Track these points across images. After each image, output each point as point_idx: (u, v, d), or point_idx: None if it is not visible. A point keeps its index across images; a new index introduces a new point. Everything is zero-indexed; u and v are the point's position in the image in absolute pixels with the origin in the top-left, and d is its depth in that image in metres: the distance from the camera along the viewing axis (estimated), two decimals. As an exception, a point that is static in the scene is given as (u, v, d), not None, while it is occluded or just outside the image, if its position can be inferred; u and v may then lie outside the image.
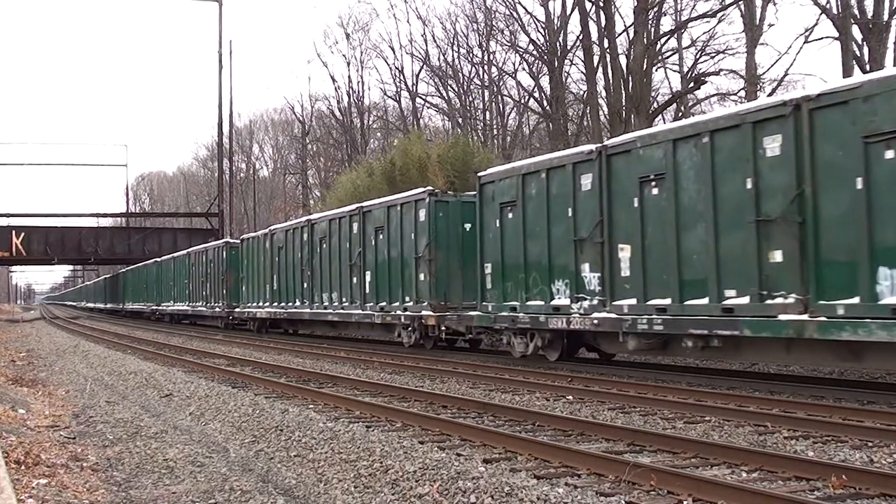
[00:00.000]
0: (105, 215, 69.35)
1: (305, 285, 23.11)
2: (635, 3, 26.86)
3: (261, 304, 26.71)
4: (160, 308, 43.06)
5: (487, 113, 44.81)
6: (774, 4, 29.75)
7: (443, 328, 16.80)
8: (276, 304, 25.30)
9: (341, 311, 20.91)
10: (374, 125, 53.60)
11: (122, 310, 57.67)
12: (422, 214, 17.44)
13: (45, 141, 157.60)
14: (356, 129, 51.59)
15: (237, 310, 28.94)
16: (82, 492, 6.32)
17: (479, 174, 15.82)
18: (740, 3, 26.75)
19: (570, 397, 10.59)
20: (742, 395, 10.02)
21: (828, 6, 23.30)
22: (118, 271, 62.66)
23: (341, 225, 21.05)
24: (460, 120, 43.40)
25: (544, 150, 35.42)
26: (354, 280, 20.18)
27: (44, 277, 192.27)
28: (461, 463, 6.48)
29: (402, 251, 18.10)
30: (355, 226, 20.29)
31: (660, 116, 31.91)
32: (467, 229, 17.11)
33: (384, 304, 18.78)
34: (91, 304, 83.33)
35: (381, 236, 19.00)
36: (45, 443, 8.20)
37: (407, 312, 17.77)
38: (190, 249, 37.34)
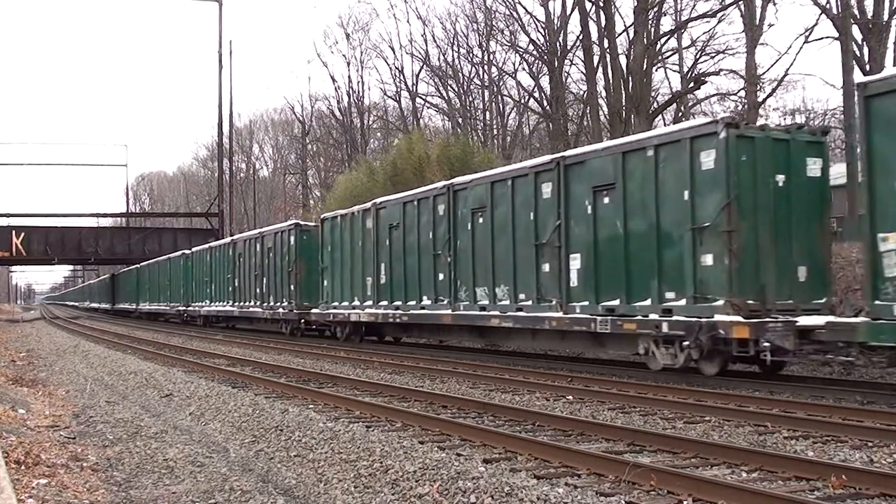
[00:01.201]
0: (105, 215, 69.41)
1: (441, 277, 16.98)
2: (635, 3, 26.85)
3: (356, 302, 20.57)
4: (191, 309, 36.56)
5: (487, 113, 44.85)
6: (774, 4, 29.74)
7: (763, 343, 10.47)
8: (384, 302, 19.21)
9: (519, 313, 14.58)
10: (374, 125, 53.62)
11: (135, 311, 51.42)
12: (708, 159, 11.32)
13: (45, 141, 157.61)
14: (356, 129, 51.59)
15: (315, 311, 22.68)
16: (82, 492, 6.32)
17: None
18: (740, 3, 26.75)
19: (570, 397, 10.59)
20: (742, 395, 10.02)
21: (828, 6, 23.31)
22: (121, 269, 60.53)
23: (516, 187, 14.88)
24: (460, 120, 43.40)
25: (544, 150, 35.45)
26: (546, 268, 14.11)
27: (44, 277, 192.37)
28: (461, 463, 6.48)
29: (657, 220, 12.03)
30: (546, 187, 14.17)
31: (660, 116, 31.94)
32: (779, 183, 11.49)
33: (615, 301, 12.70)
34: (95, 305, 77.76)
35: (605, 200, 13.00)
36: (45, 443, 8.20)
37: (674, 318, 11.52)
38: (237, 237, 31.80)
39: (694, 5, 31.17)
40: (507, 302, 15.03)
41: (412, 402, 10.45)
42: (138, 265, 49.17)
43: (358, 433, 7.86)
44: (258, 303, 27.37)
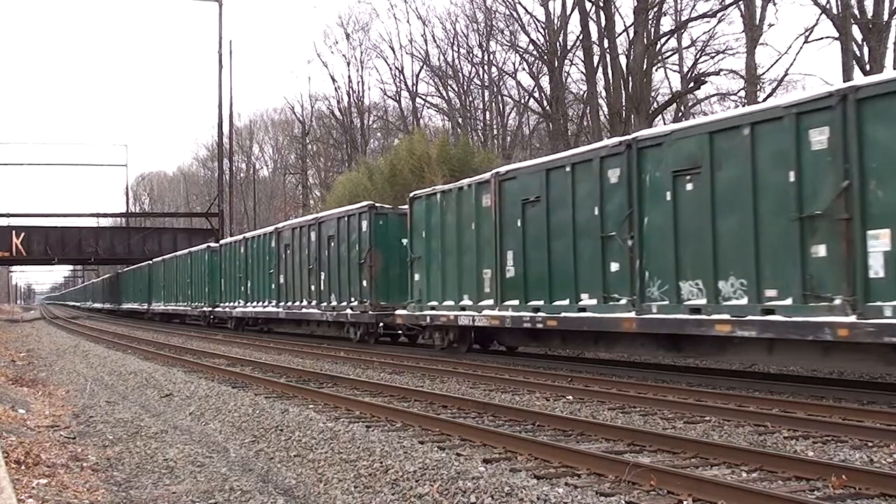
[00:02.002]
0: (105, 215, 69.34)
1: (615, 267, 12.74)
2: (635, 3, 26.88)
3: (465, 301, 16.08)
4: (219, 310, 31.87)
5: (487, 113, 44.88)
6: (774, 4, 29.80)
7: None
8: (512, 301, 14.81)
9: (769, 317, 10.26)
10: (374, 125, 53.64)
11: (147, 311, 47.19)
12: None
13: (45, 141, 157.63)
14: (356, 129, 51.61)
15: (401, 312, 18.42)
16: (82, 492, 6.32)
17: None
18: (740, 3, 26.76)
19: (570, 397, 10.59)
20: (742, 395, 10.02)
21: (828, 6, 23.31)
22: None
23: (758, 137, 10.50)
24: (460, 120, 43.40)
25: (544, 150, 35.45)
26: (822, 251, 9.85)
27: (44, 277, 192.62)
28: (461, 463, 6.48)
29: None
30: (818, 134, 9.86)
31: (660, 116, 31.95)
32: None
33: None
34: (98, 305, 74.57)
35: None
36: (45, 443, 8.20)
37: None
38: (282, 225, 26.51)
39: (694, 5, 31.24)
40: (744, 301, 10.59)
41: (412, 402, 10.45)
42: (150, 261, 45.77)
43: (358, 433, 7.86)
44: (313, 302, 22.71)
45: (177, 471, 7.18)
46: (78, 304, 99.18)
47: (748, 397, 9.88)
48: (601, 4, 28.54)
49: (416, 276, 17.82)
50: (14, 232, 46.34)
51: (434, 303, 17.13)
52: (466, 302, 16.11)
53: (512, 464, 6.76)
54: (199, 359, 17.92)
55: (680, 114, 33.52)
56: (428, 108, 48.66)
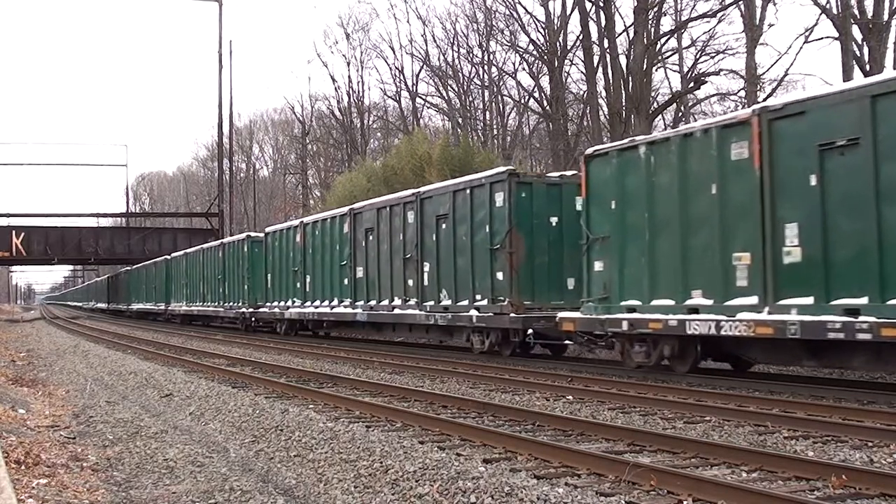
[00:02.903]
0: (105, 215, 69.29)
1: None
2: (635, 3, 26.86)
3: (703, 301, 11.42)
4: (263, 310, 27.06)
5: (487, 113, 44.84)
6: (774, 4, 29.73)
7: None
8: (817, 301, 9.89)
9: None
10: (374, 125, 53.61)
11: (164, 313, 42.93)
12: None
13: (45, 141, 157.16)
14: (356, 129, 51.58)
15: (571, 315, 13.66)
16: (82, 492, 6.32)
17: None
18: (740, 3, 26.75)
19: (570, 397, 10.58)
20: (742, 395, 10.02)
21: (828, 6, 23.29)
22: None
23: None
24: (460, 120, 43.39)
25: (544, 150, 35.47)
26: None
27: (44, 277, 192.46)
28: (461, 463, 6.48)
29: None
30: None
31: (660, 116, 31.95)
32: None
33: None
34: (103, 305, 70.18)
35: None
36: (45, 443, 8.20)
37: None
38: (360, 205, 21.37)
39: (694, 5, 31.18)
40: None
41: (412, 402, 10.45)
42: (167, 256, 42.19)
43: (358, 433, 7.86)
44: (411, 301, 18.28)
45: (177, 471, 7.18)
46: (82, 304, 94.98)
47: (748, 397, 9.88)
48: (601, 4, 28.52)
49: (599, 265, 13.09)
50: (14, 232, 46.36)
51: (634, 301, 12.46)
52: (700, 300, 11.49)
53: (512, 464, 6.76)
54: (199, 359, 17.92)
55: (680, 114, 33.50)
56: (428, 108, 48.69)
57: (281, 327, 26.09)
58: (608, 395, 10.47)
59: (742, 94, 28.43)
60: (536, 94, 38.72)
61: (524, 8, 44.88)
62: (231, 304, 30.36)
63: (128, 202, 79.13)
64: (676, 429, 8.26)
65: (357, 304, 20.63)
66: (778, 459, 6.42)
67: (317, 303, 22.99)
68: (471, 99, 44.93)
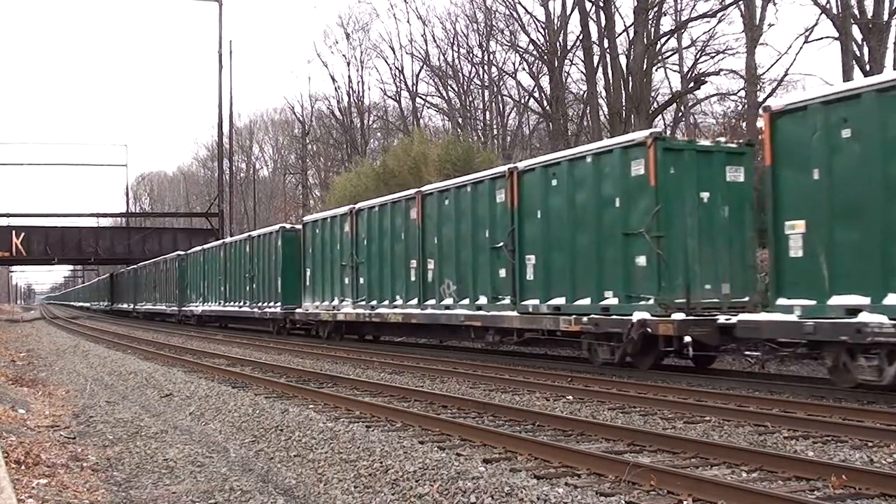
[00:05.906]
0: (105, 215, 69.26)
1: None
2: (635, 3, 26.87)
3: None
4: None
5: (487, 113, 44.86)
6: (774, 4, 29.76)
7: None
8: None
9: None
10: (374, 125, 53.62)
11: (178, 313, 39.03)
12: None
13: (45, 141, 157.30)
14: (356, 129, 51.58)
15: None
16: (82, 492, 6.32)
17: None
18: (740, 3, 26.75)
19: (570, 397, 10.58)
20: (742, 395, 10.02)
21: (828, 6, 23.30)
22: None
23: None
24: (460, 120, 43.40)
25: (544, 150, 35.44)
26: None
27: (44, 277, 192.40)
28: (461, 463, 6.48)
29: None
30: None
31: (660, 116, 31.95)
32: None
33: None
34: (104, 304, 67.18)
35: None
36: (45, 443, 8.20)
37: None
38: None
39: (694, 5, 31.21)
40: None
41: (412, 402, 10.45)
42: (179, 253, 38.98)
43: (358, 433, 7.86)
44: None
45: (177, 471, 7.18)
46: (89, 304, 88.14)
47: (748, 397, 9.88)
48: (601, 4, 28.53)
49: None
50: (14, 232, 46.35)
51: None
52: None
53: (512, 464, 6.76)
54: (199, 359, 17.91)
55: (680, 114, 33.51)
56: (428, 108, 48.70)
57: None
58: (608, 395, 10.47)
59: (742, 94, 28.44)
60: (536, 94, 38.74)
61: (524, 8, 44.98)
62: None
63: (128, 202, 79.13)
64: (676, 429, 8.26)
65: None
66: (778, 459, 6.42)
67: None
68: (471, 99, 44.98)
